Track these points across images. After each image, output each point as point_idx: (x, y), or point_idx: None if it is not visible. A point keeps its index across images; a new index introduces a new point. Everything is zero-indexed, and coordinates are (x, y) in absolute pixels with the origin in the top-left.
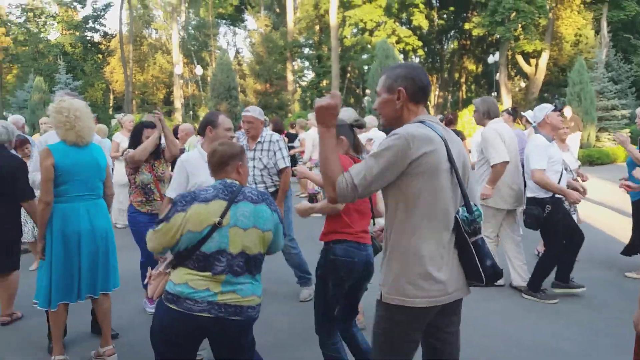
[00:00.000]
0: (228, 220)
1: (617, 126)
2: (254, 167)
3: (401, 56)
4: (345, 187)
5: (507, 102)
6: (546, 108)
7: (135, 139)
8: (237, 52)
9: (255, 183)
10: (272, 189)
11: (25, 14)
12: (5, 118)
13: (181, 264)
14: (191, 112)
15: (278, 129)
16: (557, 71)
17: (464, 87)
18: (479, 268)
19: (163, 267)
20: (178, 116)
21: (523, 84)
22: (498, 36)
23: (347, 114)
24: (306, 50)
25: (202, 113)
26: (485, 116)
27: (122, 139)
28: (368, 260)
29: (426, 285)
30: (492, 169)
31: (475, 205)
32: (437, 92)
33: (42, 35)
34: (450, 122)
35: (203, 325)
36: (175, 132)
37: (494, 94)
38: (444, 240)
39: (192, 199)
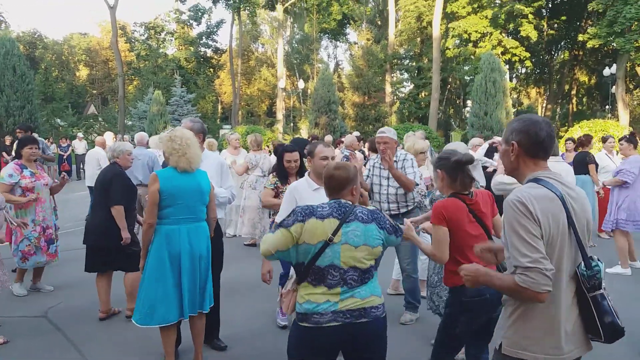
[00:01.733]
0: (340, 237)
1: None
2: (389, 185)
3: (507, 67)
4: (536, 281)
5: (624, 118)
6: None
7: (279, 164)
8: (337, 64)
9: (389, 202)
10: (404, 209)
11: (147, 31)
12: (127, 126)
13: (302, 280)
14: (292, 124)
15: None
16: None
17: (574, 100)
18: (597, 325)
19: (290, 285)
20: (279, 127)
21: None
22: (616, 47)
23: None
24: (406, 62)
25: (302, 125)
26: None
27: (227, 156)
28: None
29: (549, 344)
30: None
31: (595, 260)
32: (545, 105)
33: (161, 50)
34: (582, 144)
35: (334, 336)
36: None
37: (608, 107)
38: (566, 298)
39: (310, 212)
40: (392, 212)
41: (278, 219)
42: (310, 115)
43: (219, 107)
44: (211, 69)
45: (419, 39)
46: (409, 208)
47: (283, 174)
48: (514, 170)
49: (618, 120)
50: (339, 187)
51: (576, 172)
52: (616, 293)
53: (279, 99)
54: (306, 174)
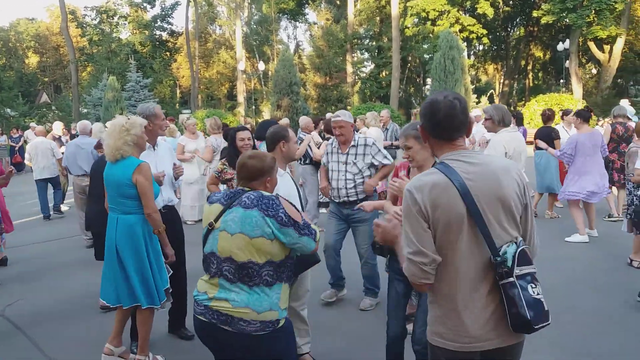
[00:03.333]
0: (219, 224)
1: None
2: (347, 171)
3: (464, 44)
4: (414, 273)
5: (577, 91)
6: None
7: (231, 147)
8: (298, 45)
9: (347, 188)
10: (362, 195)
11: (99, 15)
12: (82, 114)
13: None
14: (253, 107)
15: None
16: (633, 57)
17: (530, 75)
18: (506, 313)
19: None
20: (241, 110)
21: (594, 71)
22: (569, 23)
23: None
24: (366, 42)
25: (264, 108)
26: (500, 124)
27: (187, 141)
28: None
29: (460, 331)
30: None
31: (503, 248)
32: (502, 80)
33: (114, 35)
34: (548, 118)
35: (204, 329)
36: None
37: (562, 81)
38: (475, 286)
39: (209, 198)
40: (351, 199)
41: None
42: (272, 97)
43: (178, 91)
44: (167, 53)
45: (378, 18)
46: (366, 194)
47: (235, 157)
48: (434, 154)
49: (572, 94)
50: (249, 177)
51: (540, 147)
52: (574, 261)
53: (239, 81)
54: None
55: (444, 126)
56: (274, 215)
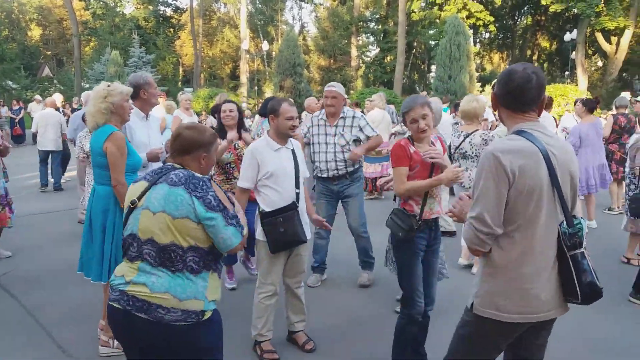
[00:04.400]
0: (143, 202)
1: None
2: (335, 143)
3: (471, 31)
4: (469, 238)
5: (582, 83)
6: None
7: (219, 121)
8: (303, 26)
9: (336, 161)
10: (351, 168)
11: None
12: (84, 88)
13: None
14: (256, 87)
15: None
16: (639, 50)
17: (536, 65)
18: (575, 285)
19: None
20: (243, 91)
21: (600, 63)
22: (577, 12)
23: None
24: (372, 25)
25: (267, 89)
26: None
27: (183, 117)
28: None
29: (522, 302)
30: None
31: (577, 218)
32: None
33: (118, 9)
34: (546, 106)
35: (117, 318)
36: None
37: (567, 72)
38: (546, 256)
39: (136, 179)
40: (340, 172)
41: (241, 183)
42: (275, 78)
43: (180, 69)
44: (171, 29)
45: (384, 1)
46: (355, 167)
47: (221, 132)
48: (502, 122)
49: (577, 85)
50: (182, 149)
51: None
52: None
53: (243, 61)
54: (265, 133)
55: (515, 97)
56: (201, 197)
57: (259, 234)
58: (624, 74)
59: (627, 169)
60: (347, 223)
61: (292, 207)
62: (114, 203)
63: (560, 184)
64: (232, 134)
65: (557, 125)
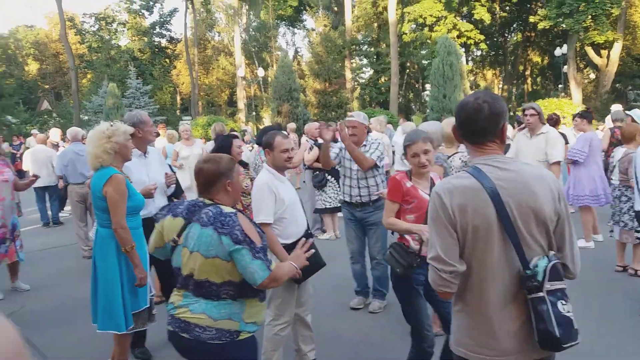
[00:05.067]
0: (182, 239)
1: None
2: (358, 170)
3: (462, 50)
4: (433, 279)
5: (576, 96)
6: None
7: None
8: (296, 51)
9: (359, 187)
10: (374, 197)
11: (98, 22)
12: (83, 121)
13: None
14: (254, 113)
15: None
16: (630, 61)
17: (529, 80)
18: (533, 329)
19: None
20: (241, 116)
21: (593, 76)
22: (566, 28)
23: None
24: (364, 48)
25: (265, 114)
26: (542, 121)
27: (181, 147)
28: None
29: (487, 343)
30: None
31: (534, 261)
32: (500, 85)
33: (113, 42)
34: (555, 122)
35: (171, 339)
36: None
37: (561, 86)
38: (504, 297)
39: (169, 210)
40: (363, 199)
41: (263, 218)
42: (272, 103)
43: (178, 98)
44: (167, 59)
45: (375, 25)
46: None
47: None
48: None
49: (571, 98)
50: (206, 183)
51: None
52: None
53: (239, 87)
54: (265, 165)
55: (466, 129)
56: (228, 233)
57: None
58: (617, 85)
59: (615, 182)
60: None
61: (310, 234)
62: (115, 247)
63: (518, 223)
64: None
65: (566, 143)
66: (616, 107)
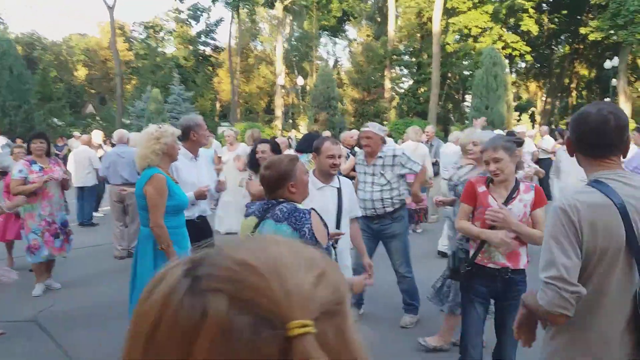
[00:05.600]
0: None
1: None
2: (373, 182)
3: (507, 61)
4: (550, 301)
5: (626, 110)
6: None
7: (252, 157)
8: (336, 61)
9: (373, 200)
10: (390, 208)
11: (146, 30)
12: (125, 125)
13: None
14: (290, 121)
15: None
16: None
17: (574, 93)
18: None
19: None
20: (278, 124)
21: None
22: (619, 40)
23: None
24: (405, 58)
25: (301, 122)
26: None
27: (223, 152)
28: None
29: None
30: None
31: None
32: (544, 98)
33: (159, 49)
34: None
35: None
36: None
37: (607, 99)
38: (615, 323)
39: (246, 211)
40: (378, 212)
41: None
42: (309, 111)
43: (217, 105)
44: (210, 67)
45: (418, 35)
46: (396, 207)
47: (256, 167)
48: (584, 170)
49: None
50: (270, 188)
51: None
52: None
53: (278, 96)
54: (310, 171)
55: (591, 142)
56: (298, 229)
57: None
58: None
59: None
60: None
61: (332, 249)
62: (152, 245)
63: None
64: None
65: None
66: None
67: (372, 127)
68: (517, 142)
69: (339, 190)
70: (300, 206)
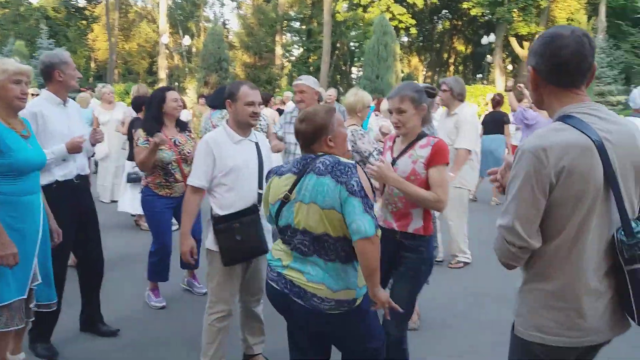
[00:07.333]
0: (295, 195)
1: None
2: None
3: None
4: (500, 248)
5: (500, 85)
6: None
7: (152, 111)
8: (224, 23)
9: None
10: None
11: None
12: None
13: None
14: (176, 83)
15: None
16: None
17: (451, 68)
18: (632, 304)
19: None
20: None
21: (510, 67)
22: (495, 17)
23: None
24: (296, 25)
25: (189, 85)
26: (458, 98)
27: (100, 111)
28: None
29: (568, 324)
30: (458, 152)
31: (635, 226)
32: (424, 72)
33: None
34: (498, 103)
35: (276, 297)
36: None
37: (481, 75)
38: (595, 269)
39: (274, 171)
40: None
41: (192, 180)
42: (198, 73)
43: (92, 64)
44: (84, 21)
45: (309, 1)
46: None
47: (156, 121)
48: (540, 104)
49: (495, 87)
50: (306, 142)
51: (489, 132)
52: None
53: (161, 56)
54: (223, 122)
55: (570, 69)
56: (345, 182)
57: (211, 242)
58: None
59: None
60: None
61: (254, 211)
62: None
63: (620, 182)
64: (159, 136)
65: (507, 123)
66: None
67: (306, 79)
68: (429, 93)
69: (257, 145)
70: (343, 159)
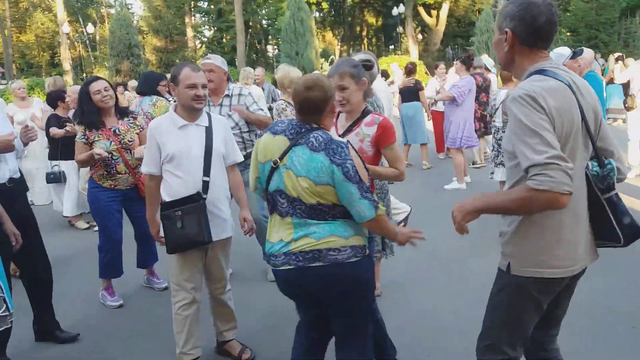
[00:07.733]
0: (285, 161)
1: None
2: (238, 123)
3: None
4: (557, 179)
5: (414, 53)
6: (564, 55)
7: (83, 105)
8: (128, 7)
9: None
10: (244, 152)
11: None
12: None
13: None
14: (84, 74)
15: None
16: (454, 22)
17: (365, 41)
18: (615, 228)
19: None
20: (69, 79)
21: (420, 37)
22: None
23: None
24: (204, 5)
25: (100, 73)
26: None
27: (15, 110)
28: None
29: (563, 255)
30: None
31: (607, 158)
32: (339, 47)
33: None
34: (410, 72)
35: (290, 279)
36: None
37: (392, 47)
38: (582, 201)
39: (269, 128)
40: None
41: (144, 168)
42: (108, 61)
43: None
44: None
45: None
46: (248, 151)
47: (91, 115)
48: (509, 63)
49: (409, 55)
50: (315, 110)
51: (406, 100)
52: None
53: (64, 47)
54: (170, 107)
55: (543, 34)
56: (340, 164)
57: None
58: (440, 45)
59: (499, 124)
60: None
61: (196, 199)
62: None
63: (590, 125)
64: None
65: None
66: (483, 57)
67: (214, 59)
68: (365, 66)
69: (208, 129)
70: (335, 137)
